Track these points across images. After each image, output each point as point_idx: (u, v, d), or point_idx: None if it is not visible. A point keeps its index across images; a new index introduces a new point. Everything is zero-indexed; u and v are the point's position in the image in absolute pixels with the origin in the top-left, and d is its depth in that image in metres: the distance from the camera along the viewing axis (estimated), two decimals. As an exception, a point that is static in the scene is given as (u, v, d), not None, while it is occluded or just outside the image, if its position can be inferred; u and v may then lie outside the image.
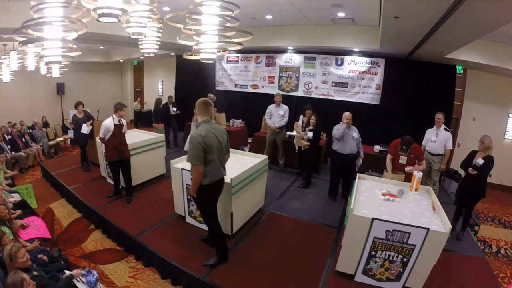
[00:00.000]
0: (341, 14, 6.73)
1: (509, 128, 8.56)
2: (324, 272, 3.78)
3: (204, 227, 4.16)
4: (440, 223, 3.42)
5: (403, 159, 4.90)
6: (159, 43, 4.56)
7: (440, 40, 5.52)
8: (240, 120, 9.00)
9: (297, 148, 6.88)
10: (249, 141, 8.78)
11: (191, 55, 4.11)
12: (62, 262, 3.69)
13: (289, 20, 7.65)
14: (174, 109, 9.04)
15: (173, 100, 9.40)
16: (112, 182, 5.60)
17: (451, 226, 3.23)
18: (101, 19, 2.62)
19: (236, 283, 3.49)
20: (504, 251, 5.65)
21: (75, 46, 3.30)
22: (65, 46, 3.25)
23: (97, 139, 5.81)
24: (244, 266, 3.81)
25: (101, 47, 12.16)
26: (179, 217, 4.77)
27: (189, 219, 4.62)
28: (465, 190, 4.89)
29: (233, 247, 4.16)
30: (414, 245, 3.24)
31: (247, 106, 9.55)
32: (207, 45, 3.53)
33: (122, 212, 5.01)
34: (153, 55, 4.68)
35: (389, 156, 5.07)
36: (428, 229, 3.14)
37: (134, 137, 6.12)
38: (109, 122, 5.09)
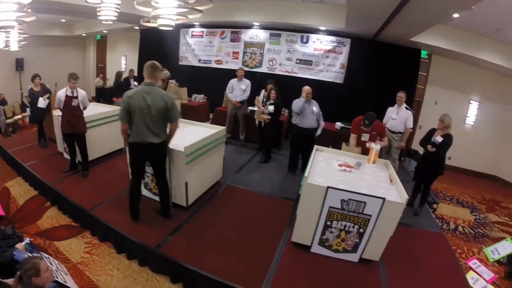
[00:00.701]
0: (310, -8, 6.69)
1: (470, 113, 8.91)
2: (280, 243, 3.79)
3: (158, 199, 4.12)
4: (396, 194, 3.46)
5: (365, 137, 4.85)
6: (118, 10, 4.38)
7: (404, 21, 5.62)
8: (203, 95, 8.88)
9: (257, 123, 6.83)
10: (211, 116, 8.67)
11: (148, 21, 3.98)
12: (16, 239, 3.55)
13: (257, -5, 7.60)
14: (135, 83, 8.74)
15: (134, 74, 9.10)
16: (69, 157, 5.39)
17: (407, 197, 3.25)
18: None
19: (190, 254, 3.45)
20: (461, 228, 5.88)
21: (29, 10, 3.13)
22: (19, 10, 3.08)
23: (54, 112, 5.60)
24: (199, 237, 3.79)
25: (63, 20, 11.65)
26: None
27: (144, 191, 4.46)
28: (424, 167, 4.99)
29: (188, 218, 4.13)
30: (370, 215, 3.28)
31: (210, 82, 9.44)
32: (165, 10, 3.41)
33: (78, 187, 4.86)
34: (111, 22, 4.51)
35: (352, 136, 4.95)
36: (384, 199, 3.18)
37: (92, 110, 5.84)
38: (61, 93, 4.90)
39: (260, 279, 3.18)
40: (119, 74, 9.14)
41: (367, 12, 5.54)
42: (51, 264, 3.19)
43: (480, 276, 4.49)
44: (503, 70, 7.77)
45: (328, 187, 3.23)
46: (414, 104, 8.70)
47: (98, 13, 4.35)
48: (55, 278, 2.98)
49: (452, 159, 8.99)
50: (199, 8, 3.59)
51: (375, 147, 4.23)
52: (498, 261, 4.95)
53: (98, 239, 4.03)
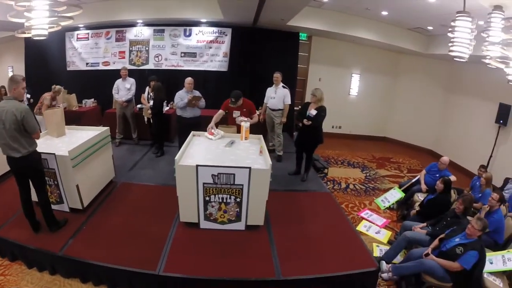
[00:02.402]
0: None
1: (353, 85, 9.89)
2: (172, 226, 4.05)
3: (56, 208, 4.22)
4: (263, 162, 3.89)
5: (236, 113, 5.22)
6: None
7: (274, 7, 5.98)
8: (93, 100, 8.73)
9: (146, 120, 6.95)
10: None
11: (24, 32, 3.96)
12: None
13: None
14: (28, 96, 8.22)
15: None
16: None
17: (270, 163, 3.71)
18: None
19: (91, 251, 3.57)
20: (352, 186, 6.60)
21: None
22: None
23: None
24: (98, 235, 3.91)
25: None
26: (35, 203, 4.55)
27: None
28: (302, 139, 5.46)
29: (86, 219, 4.21)
30: (242, 185, 3.66)
31: (100, 84, 9.09)
32: (37, 21, 3.47)
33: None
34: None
35: (220, 112, 5.17)
36: (249, 168, 3.57)
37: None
38: None
39: (156, 260, 3.43)
40: (5, 88, 8.53)
41: (234, 1, 5.92)
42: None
43: (373, 223, 5.11)
44: (376, 44, 8.68)
45: (197, 165, 3.56)
46: (298, 83, 9.37)
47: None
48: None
49: (342, 128, 9.97)
50: (68, 15, 3.70)
51: (244, 124, 4.65)
52: (389, 208, 5.64)
53: (9, 259, 3.94)
